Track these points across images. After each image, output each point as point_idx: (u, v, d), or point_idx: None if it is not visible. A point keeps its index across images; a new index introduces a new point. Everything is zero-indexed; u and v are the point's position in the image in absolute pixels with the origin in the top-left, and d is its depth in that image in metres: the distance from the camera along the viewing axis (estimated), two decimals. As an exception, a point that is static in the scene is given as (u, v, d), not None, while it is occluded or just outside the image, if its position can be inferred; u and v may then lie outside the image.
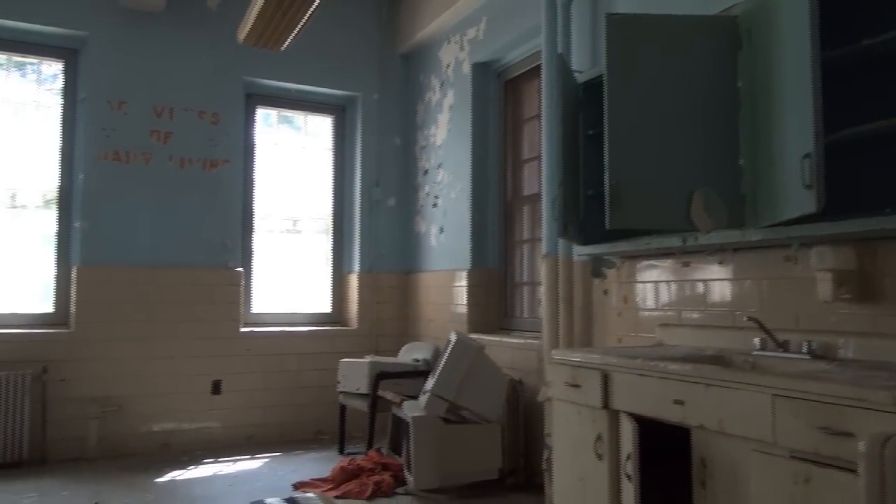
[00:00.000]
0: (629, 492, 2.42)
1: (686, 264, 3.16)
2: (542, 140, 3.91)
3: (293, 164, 5.88)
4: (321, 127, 6.06)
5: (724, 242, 2.79)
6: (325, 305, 5.90)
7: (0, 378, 4.41)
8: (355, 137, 5.90)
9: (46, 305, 4.93)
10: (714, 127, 2.66)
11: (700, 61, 2.68)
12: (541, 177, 4.05)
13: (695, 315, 3.11)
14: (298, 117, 5.96)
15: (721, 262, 2.98)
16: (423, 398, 3.89)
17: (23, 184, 4.94)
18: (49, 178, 5.00)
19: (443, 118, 5.49)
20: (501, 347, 4.43)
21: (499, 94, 5.14)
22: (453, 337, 3.95)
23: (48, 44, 4.99)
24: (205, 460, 4.69)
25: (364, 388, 4.58)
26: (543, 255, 3.84)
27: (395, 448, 4.45)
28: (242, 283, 5.36)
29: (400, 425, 4.36)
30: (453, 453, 3.81)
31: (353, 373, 4.71)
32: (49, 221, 4.98)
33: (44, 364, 4.61)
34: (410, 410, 3.92)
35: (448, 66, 5.43)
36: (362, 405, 4.64)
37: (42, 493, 3.91)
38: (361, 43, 5.86)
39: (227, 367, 5.19)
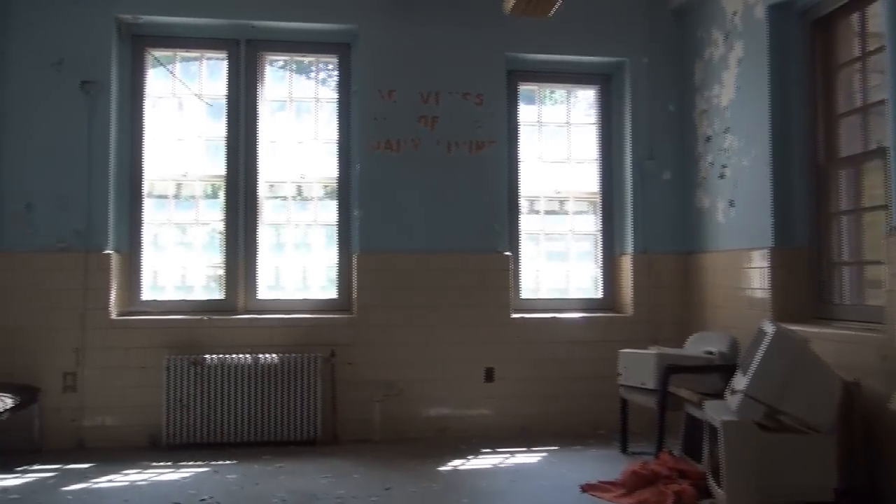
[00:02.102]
0: None
1: None
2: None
3: (556, 141, 5.54)
4: (585, 100, 5.65)
5: None
6: (595, 290, 5.50)
7: (295, 359, 4.68)
8: (623, 107, 5.40)
9: (332, 292, 5.16)
10: None
11: None
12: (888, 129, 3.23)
13: None
14: (561, 91, 5.61)
15: None
16: (734, 399, 3.32)
17: (307, 177, 5.21)
18: (329, 169, 5.22)
19: (728, 75, 4.76)
20: (822, 341, 3.66)
21: (804, 37, 4.30)
22: (769, 328, 3.32)
23: (323, 41, 5.20)
24: (483, 450, 4.57)
25: (651, 382, 4.11)
26: (892, 228, 3.05)
27: (691, 452, 3.93)
28: (511, 267, 5.16)
29: (697, 427, 3.83)
30: (774, 466, 3.20)
31: (637, 365, 4.26)
32: (330, 211, 5.21)
33: (332, 348, 4.82)
34: (716, 412, 3.38)
35: (734, 13, 4.69)
36: (648, 401, 4.18)
37: (336, 474, 4.04)
38: (627, 3, 5.32)
39: (499, 354, 5.04)
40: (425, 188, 5.04)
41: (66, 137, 4.71)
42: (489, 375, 5.02)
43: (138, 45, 5.02)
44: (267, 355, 4.68)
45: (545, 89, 5.60)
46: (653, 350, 4.26)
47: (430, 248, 5.02)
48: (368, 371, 4.88)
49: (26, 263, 4.63)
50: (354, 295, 4.98)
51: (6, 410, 4.02)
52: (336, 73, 5.27)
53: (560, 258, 5.51)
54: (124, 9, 4.82)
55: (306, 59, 5.32)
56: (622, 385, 4.43)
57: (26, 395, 4.35)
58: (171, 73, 5.09)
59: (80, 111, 4.73)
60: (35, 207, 4.67)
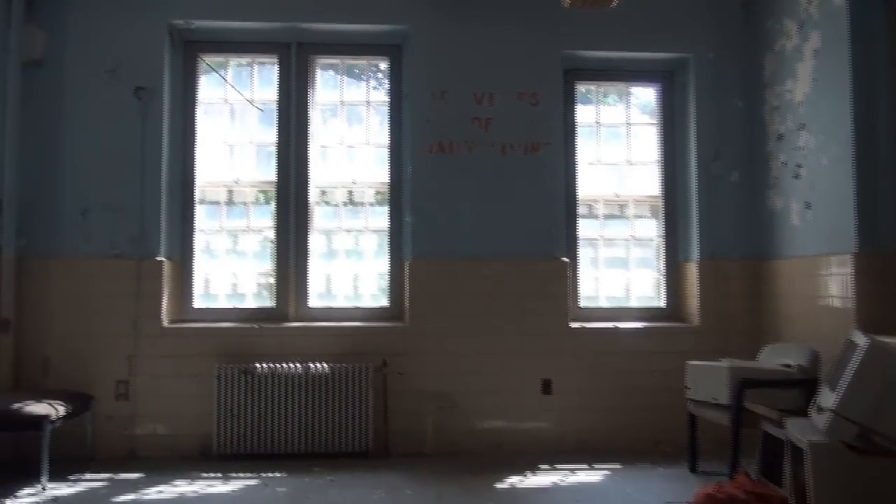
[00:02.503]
0: None
1: None
2: None
3: (615, 142, 5.30)
4: (644, 98, 5.40)
5: None
6: (657, 298, 5.23)
7: (346, 369, 4.55)
8: (687, 105, 5.12)
9: (383, 300, 5.03)
10: None
11: None
12: None
13: None
14: (619, 90, 5.37)
15: None
16: (822, 418, 3.04)
17: (358, 182, 5.09)
18: (381, 175, 5.09)
19: (803, 68, 4.46)
20: (917, 354, 3.34)
21: (889, 24, 3.98)
22: (861, 339, 3.02)
23: (374, 42, 5.09)
24: (540, 466, 4.35)
25: (724, 397, 3.83)
26: None
27: (769, 474, 3.64)
28: (569, 274, 4.94)
29: (776, 447, 3.55)
30: (867, 492, 2.91)
31: (708, 378, 3.99)
32: (382, 217, 5.08)
33: (383, 357, 4.67)
34: (801, 432, 3.10)
35: (809, 1, 4.39)
36: (720, 418, 3.90)
37: (388, 489, 3.88)
38: (691, -5, 5.07)
39: (557, 365, 4.81)
40: (479, 192, 4.87)
41: (119, 144, 4.70)
42: (547, 387, 4.80)
43: (190, 51, 5.00)
44: (318, 364, 4.56)
45: (603, 88, 5.36)
46: (725, 362, 3.98)
47: (485, 254, 4.83)
48: (421, 382, 4.71)
49: (81, 270, 4.64)
50: (406, 303, 4.83)
51: (59, 418, 3.99)
52: (387, 75, 5.15)
53: (620, 265, 5.26)
54: (177, 14, 4.80)
55: (357, 62, 5.21)
56: (690, 399, 4.16)
57: (79, 402, 4.32)
58: (223, 78, 5.06)
59: (134, 118, 4.72)
60: (90, 213, 4.67)
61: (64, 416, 4.05)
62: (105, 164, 4.69)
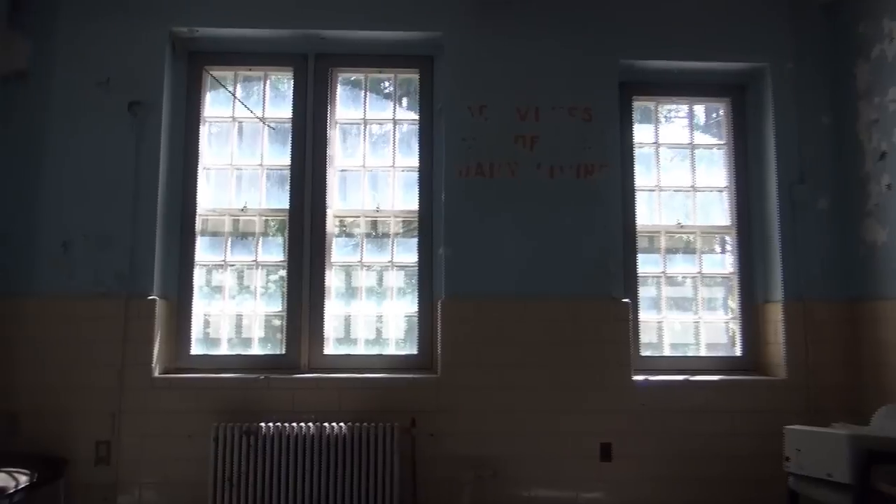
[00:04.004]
0: None
1: None
2: None
3: (678, 165, 4.62)
4: (711, 116, 4.73)
5: None
6: (732, 346, 4.46)
7: (367, 429, 3.81)
8: (764, 123, 4.43)
9: (411, 347, 4.31)
10: None
11: None
12: None
13: None
14: (683, 105, 4.70)
15: None
16: None
17: (383, 210, 4.42)
18: (409, 202, 4.43)
19: (910, 74, 3.77)
20: None
21: None
22: None
23: (402, 53, 4.48)
24: (604, 553, 3.56)
25: (843, 474, 3.04)
26: None
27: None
28: (629, 317, 4.20)
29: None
30: None
31: (818, 448, 3.20)
32: (410, 250, 4.40)
33: (412, 415, 3.93)
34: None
35: (916, -3, 3.73)
36: (839, 499, 3.09)
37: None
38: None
39: (618, 425, 4.04)
40: (524, 220, 4.18)
41: (109, 166, 4.09)
42: (606, 452, 4.02)
43: (195, 63, 4.42)
44: (334, 424, 3.83)
45: (665, 104, 4.69)
46: (841, 429, 3.20)
47: (530, 293, 4.12)
48: (456, 444, 3.96)
49: (61, 310, 3.98)
50: (438, 350, 4.11)
51: (19, 490, 3.28)
52: (417, 89, 4.52)
53: (686, 306, 4.51)
54: (180, 21, 4.24)
55: (383, 75, 4.60)
56: (793, 474, 3.36)
57: (50, 469, 3.62)
58: (231, 93, 4.46)
59: (127, 136, 4.12)
60: (72, 246, 4.03)
61: (27, 487, 3.35)
62: (92, 189, 4.07)
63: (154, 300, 4.04)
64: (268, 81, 4.53)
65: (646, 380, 4.13)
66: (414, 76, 4.54)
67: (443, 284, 4.14)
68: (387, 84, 4.63)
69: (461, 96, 4.27)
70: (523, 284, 4.13)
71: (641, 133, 4.56)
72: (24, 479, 3.32)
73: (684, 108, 4.71)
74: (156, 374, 4.01)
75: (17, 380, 3.92)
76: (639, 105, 4.58)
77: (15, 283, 3.99)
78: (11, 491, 3.20)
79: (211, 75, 4.45)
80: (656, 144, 4.59)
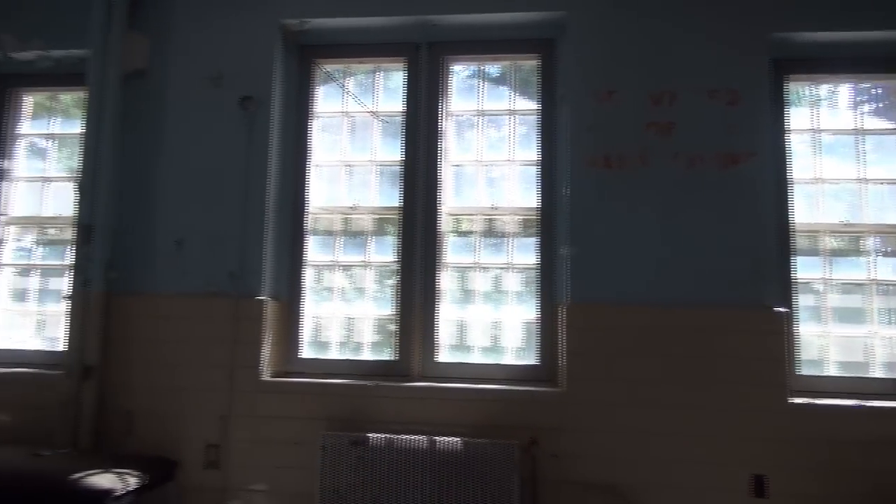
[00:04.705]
0: None
1: None
2: None
3: (840, 153, 3.98)
4: (887, 96, 4.05)
5: None
6: (913, 366, 3.78)
7: (484, 447, 3.47)
8: (951, 100, 3.74)
9: (531, 356, 3.94)
10: None
11: None
12: None
13: None
14: (848, 83, 4.06)
15: None
16: None
17: (500, 207, 4.09)
18: (528, 198, 4.08)
19: None
20: None
21: None
22: None
23: (521, 37, 4.14)
24: None
25: None
26: None
27: None
28: (786, 329, 3.62)
29: None
30: None
31: None
32: (529, 250, 4.03)
33: (533, 432, 3.56)
34: None
35: None
36: None
37: None
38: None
39: (773, 455, 3.48)
40: (658, 216, 3.71)
41: (221, 163, 4.01)
42: (759, 487, 3.46)
43: (306, 56, 4.28)
44: (447, 438, 3.52)
45: (826, 83, 4.07)
46: None
47: (669, 300, 3.64)
48: (581, 468, 3.55)
49: (173, 310, 3.93)
50: (562, 361, 3.71)
51: (128, 493, 3.19)
52: (537, 76, 4.16)
53: (854, 318, 3.86)
54: (290, 13, 4.11)
55: (500, 63, 4.27)
56: None
57: (159, 471, 3.54)
58: (341, 86, 4.28)
59: (238, 132, 4.03)
60: (186, 244, 3.98)
61: (136, 490, 3.26)
62: (204, 186, 4.01)
63: (264, 301, 3.91)
64: (379, 74, 4.32)
65: (809, 403, 3.53)
66: (533, 62, 4.18)
67: (566, 288, 3.74)
68: (503, 72, 4.30)
69: (587, 81, 3.86)
70: (659, 289, 3.66)
71: (797, 117, 3.97)
72: (133, 482, 3.24)
73: (852, 87, 4.05)
74: (265, 377, 3.87)
75: (133, 378, 3.90)
76: (794, 85, 3.99)
77: (132, 281, 3.98)
78: (119, 493, 3.12)
79: (322, 69, 4.29)
80: (813, 130, 3.98)
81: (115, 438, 3.85)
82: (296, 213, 4.16)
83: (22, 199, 4.46)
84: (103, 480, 3.10)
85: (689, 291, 3.63)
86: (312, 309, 4.15)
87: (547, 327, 3.89)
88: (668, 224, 3.70)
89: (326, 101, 4.32)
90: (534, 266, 4.00)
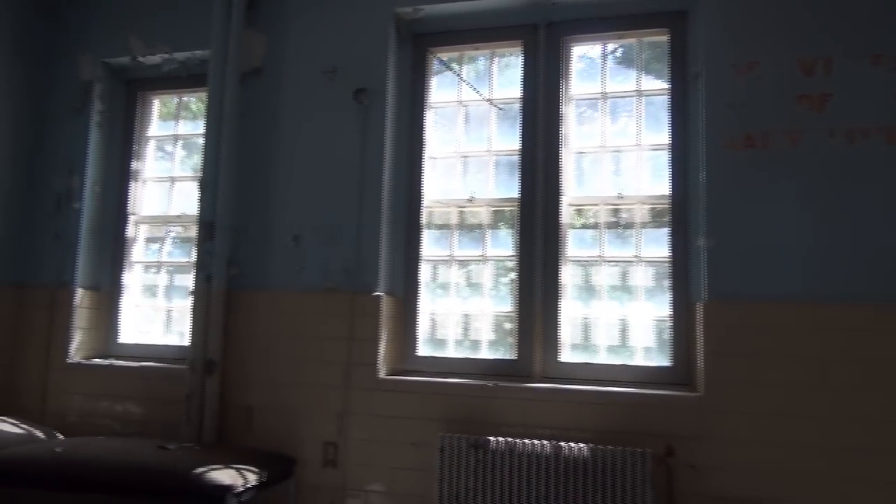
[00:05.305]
0: None
1: None
2: None
3: None
4: None
5: None
6: None
7: (613, 454, 3.19)
8: None
9: (663, 357, 3.61)
10: None
11: None
12: None
13: None
14: None
15: None
16: None
17: (627, 196, 3.79)
18: (658, 185, 3.75)
19: None
20: None
21: None
22: None
23: (648, 10, 3.82)
24: None
25: None
26: None
27: None
28: (972, 329, 3.10)
29: None
30: None
31: None
32: (660, 242, 3.71)
33: (667, 440, 3.24)
34: None
35: None
36: None
37: None
38: None
39: (959, 476, 2.98)
40: (811, 201, 3.28)
41: (336, 156, 3.96)
42: (941, 512, 2.98)
43: (420, 45, 4.15)
44: (573, 444, 3.27)
45: None
46: None
47: (822, 294, 3.21)
48: (723, 482, 3.19)
49: (292, 305, 3.92)
50: (699, 363, 3.37)
51: (247, 489, 3.17)
52: (667, 53, 3.82)
53: None
54: (403, 0, 3.99)
55: (625, 41, 3.97)
56: None
57: (278, 468, 3.52)
58: (457, 74, 4.12)
59: (353, 125, 3.96)
60: (302, 239, 3.96)
61: (255, 486, 3.24)
62: (320, 180, 3.97)
63: (380, 297, 3.81)
64: (494, 59, 4.13)
65: None
66: (662, 37, 3.85)
67: (704, 283, 3.38)
68: (628, 50, 3.99)
69: (725, 54, 3.49)
70: (812, 283, 3.23)
71: (981, 83, 3.41)
72: (253, 478, 3.22)
73: None
74: (382, 374, 3.77)
75: (253, 374, 3.92)
76: (977, 46, 3.43)
77: (251, 277, 4.01)
78: (240, 490, 3.10)
79: (437, 57, 4.15)
80: None
81: (236, 433, 3.88)
82: (411, 207, 4.05)
83: (151, 199, 4.62)
84: (224, 476, 3.09)
85: (848, 285, 3.18)
86: (428, 305, 4.02)
87: (681, 326, 3.55)
88: (822, 209, 3.26)
89: (440, 91, 4.18)
90: (665, 259, 3.67)
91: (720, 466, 3.21)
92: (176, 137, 4.66)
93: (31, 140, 4.48)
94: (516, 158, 3.96)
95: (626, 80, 3.94)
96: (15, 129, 4.39)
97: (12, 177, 4.38)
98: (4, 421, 3.80)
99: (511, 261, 3.91)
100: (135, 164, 4.61)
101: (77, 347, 4.35)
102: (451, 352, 3.95)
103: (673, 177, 3.69)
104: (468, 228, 4.06)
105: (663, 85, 3.83)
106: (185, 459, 3.21)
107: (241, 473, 3.17)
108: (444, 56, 4.17)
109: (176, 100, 4.70)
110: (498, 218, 4.02)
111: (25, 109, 4.45)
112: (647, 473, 3.14)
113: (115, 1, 4.54)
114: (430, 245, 4.06)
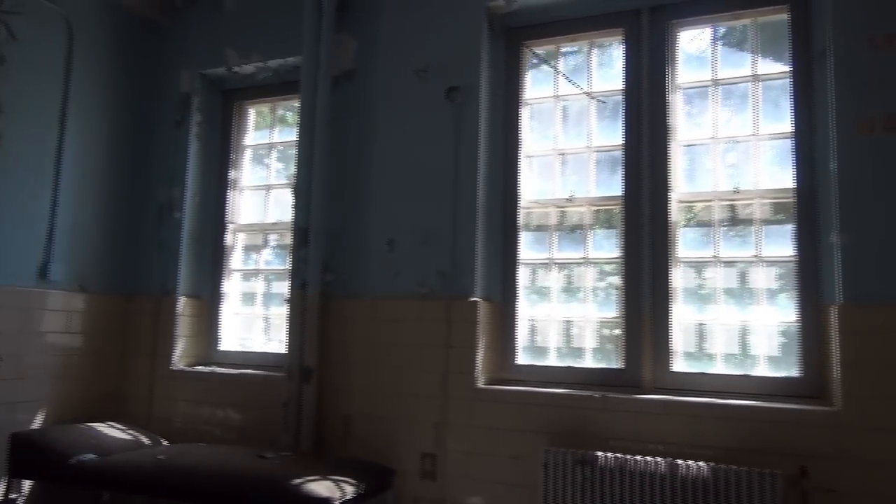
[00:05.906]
0: None
1: None
2: None
3: None
4: None
5: None
6: None
7: (738, 475, 2.89)
8: None
9: (790, 367, 3.26)
10: None
11: None
12: None
13: None
14: None
15: None
16: None
17: (744, 190, 3.46)
18: (780, 177, 3.41)
19: None
20: None
21: None
22: None
23: (768, -12, 3.49)
24: None
25: None
26: None
27: None
28: None
29: None
30: None
31: None
32: (784, 240, 3.36)
33: (800, 461, 2.91)
34: None
35: None
36: None
37: None
38: None
39: None
40: (970, 190, 2.87)
41: (429, 157, 3.85)
42: None
43: (513, 39, 3.98)
44: (690, 463, 2.99)
45: None
46: None
47: None
48: (868, 508, 2.82)
49: (387, 311, 3.82)
50: (835, 374, 3.01)
51: (345, 502, 3.07)
52: (788, 33, 3.48)
53: None
54: (496, -7, 3.84)
55: (738, 21, 3.65)
56: None
57: (376, 479, 3.41)
58: (553, 68, 3.92)
59: (446, 125, 3.83)
60: (397, 243, 3.86)
61: (353, 499, 3.14)
62: (413, 183, 3.86)
63: (477, 302, 3.65)
64: (593, 50, 3.89)
65: None
66: (782, 16, 3.50)
67: (838, 284, 3.02)
68: (741, 31, 3.66)
69: (858, 26, 3.12)
70: (971, 283, 2.82)
71: None
72: (350, 490, 3.13)
73: None
74: (480, 384, 3.61)
75: (350, 381, 3.85)
76: None
77: (346, 283, 3.95)
78: (337, 502, 3.00)
79: (532, 51, 3.96)
80: None
81: (334, 441, 3.82)
82: (507, 208, 3.87)
83: (248, 207, 4.66)
84: (321, 488, 3.01)
85: None
86: (527, 311, 3.82)
87: (811, 332, 3.19)
88: (983, 198, 2.85)
89: (535, 87, 3.99)
90: (791, 258, 3.32)
91: (866, 492, 2.84)
92: (271, 146, 4.69)
93: (134, 152, 4.61)
94: (618, 154, 3.72)
95: (739, 65, 3.61)
96: (120, 142, 4.53)
97: (118, 189, 4.52)
98: (113, 427, 3.90)
99: (614, 263, 3.66)
100: (232, 173, 4.66)
101: (180, 355, 4.43)
102: (553, 360, 3.74)
103: (797, 167, 3.34)
104: (568, 229, 3.84)
105: (783, 67, 3.48)
106: (282, 469, 3.16)
107: (338, 485, 3.08)
108: (540, 49, 3.97)
109: (270, 109, 4.73)
110: (600, 217, 3.78)
111: (129, 123, 4.58)
112: (777, 497, 2.82)
113: (211, 15, 4.61)
114: (527, 248, 3.87)
